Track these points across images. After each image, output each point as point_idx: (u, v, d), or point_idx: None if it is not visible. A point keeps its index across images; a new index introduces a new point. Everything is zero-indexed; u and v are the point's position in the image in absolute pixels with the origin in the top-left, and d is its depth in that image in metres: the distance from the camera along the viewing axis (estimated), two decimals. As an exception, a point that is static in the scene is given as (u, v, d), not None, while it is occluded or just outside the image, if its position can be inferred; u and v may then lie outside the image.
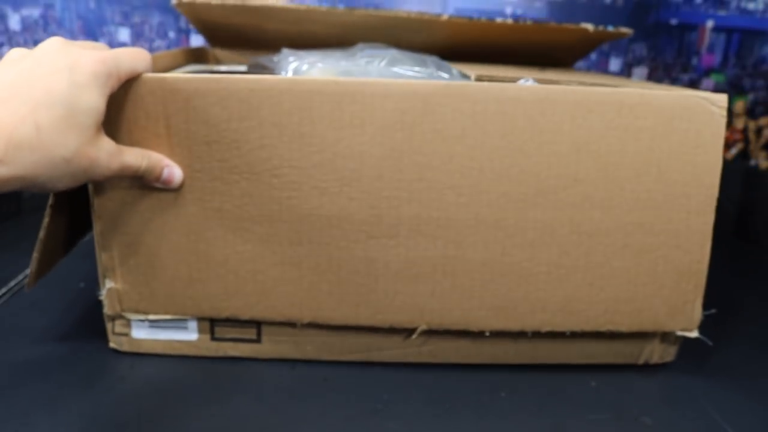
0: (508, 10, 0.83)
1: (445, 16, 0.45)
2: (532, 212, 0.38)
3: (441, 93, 0.36)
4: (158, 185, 0.37)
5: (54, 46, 0.32)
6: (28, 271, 0.39)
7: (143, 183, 0.37)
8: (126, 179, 0.36)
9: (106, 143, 0.33)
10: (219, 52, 0.69)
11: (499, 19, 0.45)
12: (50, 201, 0.37)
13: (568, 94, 0.36)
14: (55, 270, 0.43)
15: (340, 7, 0.45)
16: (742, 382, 0.42)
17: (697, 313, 0.40)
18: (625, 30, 0.46)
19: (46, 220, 0.37)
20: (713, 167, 0.38)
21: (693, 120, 0.37)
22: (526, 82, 0.38)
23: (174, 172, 0.37)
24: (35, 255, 0.38)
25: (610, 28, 0.45)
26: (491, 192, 0.37)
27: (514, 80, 0.38)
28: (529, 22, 0.45)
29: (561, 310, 0.40)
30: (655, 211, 0.38)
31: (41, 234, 0.38)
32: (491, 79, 0.38)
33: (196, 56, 0.64)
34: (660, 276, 0.39)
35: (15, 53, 0.32)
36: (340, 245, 0.38)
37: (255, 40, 0.58)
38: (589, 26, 0.45)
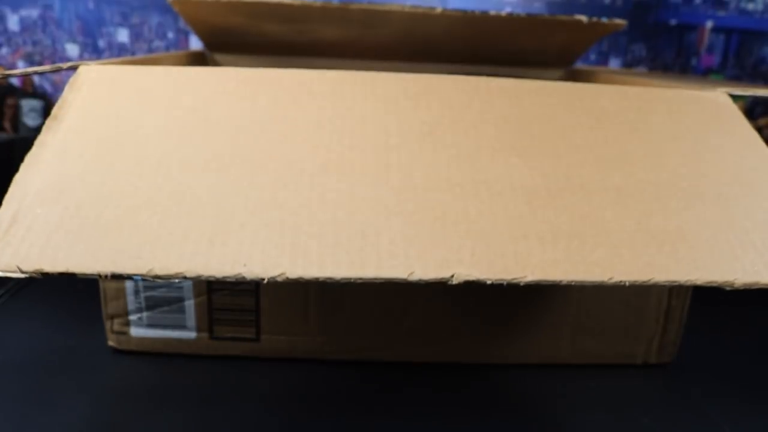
0: (507, 11, 0.83)
1: (438, 9, 0.44)
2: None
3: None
4: None
5: None
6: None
7: None
8: None
9: None
10: (218, 57, 0.69)
11: (492, 12, 0.45)
12: None
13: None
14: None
15: (335, 3, 0.45)
16: (742, 382, 0.42)
17: None
18: (618, 21, 0.46)
19: None
20: None
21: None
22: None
23: None
24: None
25: (604, 20, 0.45)
26: None
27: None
28: (522, 15, 0.45)
29: None
30: None
31: None
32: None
33: (195, 61, 0.64)
34: None
35: None
36: None
37: (253, 44, 0.58)
38: (583, 18, 0.45)
